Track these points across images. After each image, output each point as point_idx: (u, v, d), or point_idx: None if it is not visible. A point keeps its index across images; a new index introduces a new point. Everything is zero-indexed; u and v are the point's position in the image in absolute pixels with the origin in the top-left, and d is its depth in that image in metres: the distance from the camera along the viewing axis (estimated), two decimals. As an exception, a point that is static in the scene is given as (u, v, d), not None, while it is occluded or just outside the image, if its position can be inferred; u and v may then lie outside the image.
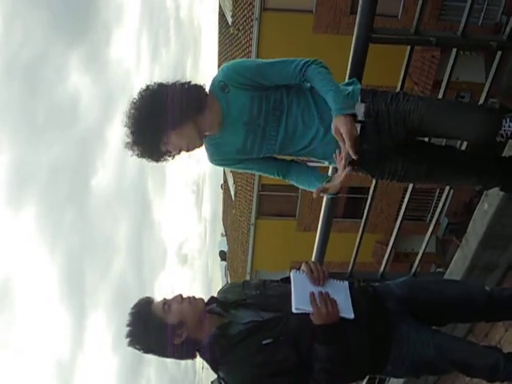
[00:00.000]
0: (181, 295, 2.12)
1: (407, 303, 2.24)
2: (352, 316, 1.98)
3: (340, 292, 2.04)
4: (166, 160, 2.33)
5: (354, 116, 2.18)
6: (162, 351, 2.12)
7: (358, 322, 2.03)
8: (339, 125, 2.14)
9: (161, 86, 2.23)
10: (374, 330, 2.11)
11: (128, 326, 2.08)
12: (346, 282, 2.13)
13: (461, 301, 2.31)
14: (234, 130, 2.34)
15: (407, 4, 11.94)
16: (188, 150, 2.30)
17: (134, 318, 2.08)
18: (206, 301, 2.16)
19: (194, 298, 2.12)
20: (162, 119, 2.18)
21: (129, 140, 2.22)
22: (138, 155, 2.25)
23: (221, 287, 2.35)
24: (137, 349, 2.09)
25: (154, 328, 2.05)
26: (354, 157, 2.14)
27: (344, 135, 2.12)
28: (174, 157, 2.34)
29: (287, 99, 2.31)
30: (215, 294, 2.27)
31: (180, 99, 2.21)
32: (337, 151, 2.22)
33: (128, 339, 2.07)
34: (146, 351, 2.11)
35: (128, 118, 2.20)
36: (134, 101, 2.21)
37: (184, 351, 2.12)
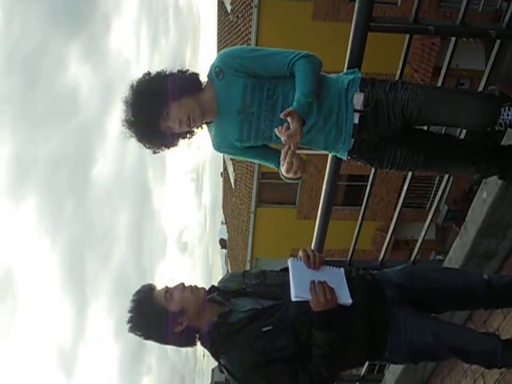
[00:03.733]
0: (183, 284, 2.14)
1: (405, 291, 2.26)
2: (350, 301, 2.01)
3: (337, 279, 2.07)
4: (165, 144, 2.36)
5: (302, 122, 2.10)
6: (162, 338, 2.14)
7: (356, 309, 2.05)
8: (293, 118, 2.07)
9: (158, 72, 2.29)
10: (371, 318, 2.13)
11: (129, 312, 2.10)
12: (342, 269, 2.15)
13: (459, 289, 2.32)
14: (229, 118, 2.36)
15: (407, -9, 11.88)
16: (188, 124, 2.29)
17: (135, 304, 2.10)
18: (206, 290, 2.18)
19: (195, 286, 2.14)
20: (162, 95, 2.23)
21: (129, 120, 2.25)
22: (137, 138, 2.28)
23: (221, 276, 2.37)
24: (137, 335, 2.11)
25: (155, 315, 2.07)
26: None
27: (289, 133, 2.05)
28: (174, 140, 2.37)
29: (282, 89, 2.31)
30: (215, 282, 2.29)
31: (177, 79, 2.28)
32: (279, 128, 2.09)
33: (129, 325, 2.09)
34: (147, 338, 2.13)
35: (127, 99, 2.25)
36: (133, 85, 2.27)
37: (184, 339, 2.14)
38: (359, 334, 2.11)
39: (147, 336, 2.13)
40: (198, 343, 2.17)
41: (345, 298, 2.02)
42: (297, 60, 2.28)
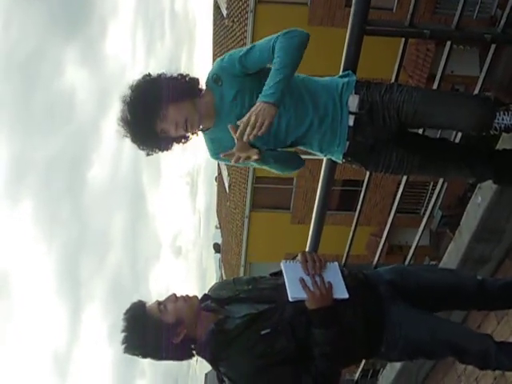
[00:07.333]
0: (174, 294, 2.10)
1: (398, 287, 2.25)
2: (346, 296, 1.98)
3: (331, 273, 2.04)
4: (159, 146, 2.32)
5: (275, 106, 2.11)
6: (159, 354, 2.08)
7: (352, 306, 2.05)
8: (255, 109, 2.11)
9: (158, 74, 2.27)
10: (367, 314, 2.12)
11: (123, 331, 2.03)
12: (336, 262, 2.12)
13: (451, 287, 2.32)
14: (227, 124, 2.33)
15: (402, -3, 11.94)
16: (185, 128, 2.26)
17: (129, 322, 2.04)
18: (199, 298, 2.15)
19: (187, 296, 2.10)
20: (160, 95, 2.20)
21: (124, 118, 2.22)
22: (131, 138, 2.25)
23: (215, 281, 2.35)
24: (135, 354, 2.06)
25: (151, 330, 2.02)
26: (244, 138, 2.12)
27: (250, 115, 2.09)
28: (168, 143, 2.34)
29: None
30: (209, 287, 2.28)
31: (178, 82, 2.27)
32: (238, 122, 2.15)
33: (124, 346, 2.03)
34: (144, 356, 2.07)
35: (125, 98, 2.21)
36: (132, 84, 2.24)
37: (182, 351, 2.10)
38: (357, 330, 2.10)
39: (144, 354, 2.07)
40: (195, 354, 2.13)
41: (341, 292, 1.99)
42: (276, 41, 2.22)
